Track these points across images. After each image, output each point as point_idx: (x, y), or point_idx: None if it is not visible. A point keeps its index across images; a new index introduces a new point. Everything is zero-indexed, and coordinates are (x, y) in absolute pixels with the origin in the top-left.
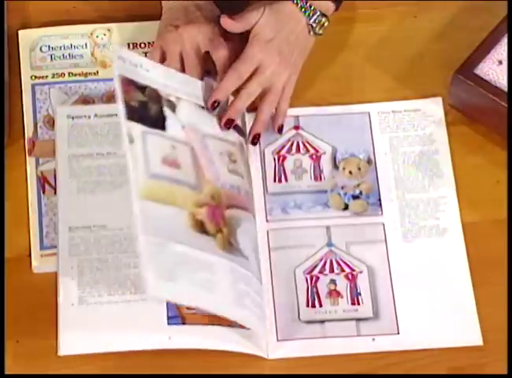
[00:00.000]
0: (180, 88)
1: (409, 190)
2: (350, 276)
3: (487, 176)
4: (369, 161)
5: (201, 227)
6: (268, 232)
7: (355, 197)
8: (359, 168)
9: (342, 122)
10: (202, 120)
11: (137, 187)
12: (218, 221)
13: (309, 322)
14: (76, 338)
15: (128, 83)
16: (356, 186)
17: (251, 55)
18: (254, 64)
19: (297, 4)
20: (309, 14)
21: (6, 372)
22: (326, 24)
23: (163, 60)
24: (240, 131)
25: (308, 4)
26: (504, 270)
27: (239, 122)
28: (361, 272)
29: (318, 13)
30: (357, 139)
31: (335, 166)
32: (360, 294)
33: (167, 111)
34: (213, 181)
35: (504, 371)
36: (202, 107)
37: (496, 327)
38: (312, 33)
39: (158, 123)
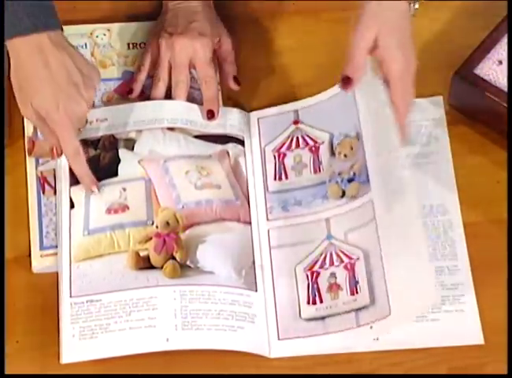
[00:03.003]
0: (146, 117)
1: (390, 150)
2: (348, 266)
3: (487, 176)
4: (358, 137)
5: (145, 264)
6: (269, 231)
7: (350, 180)
8: (351, 148)
9: (333, 103)
10: (167, 143)
11: (68, 252)
12: (170, 248)
13: (309, 319)
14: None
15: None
16: (350, 168)
17: None
18: None
19: None
20: None
21: (6, 372)
22: None
23: (153, 63)
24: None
25: None
26: (504, 270)
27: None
28: (358, 258)
29: None
30: (346, 117)
31: (333, 153)
32: (358, 282)
33: (122, 153)
34: (172, 205)
35: (505, 371)
36: (170, 129)
37: (497, 326)
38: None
39: (111, 170)
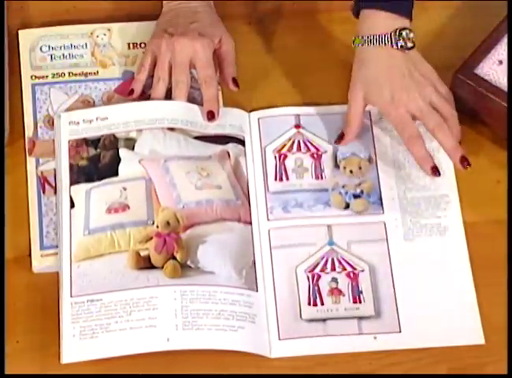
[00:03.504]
0: (147, 117)
1: (410, 189)
2: (351, 275)
3: (487, 176)
4: (369, 160)
5: (145, 263)
6: (269, 231)
7: (356, 196)
8: (360, 167)
9: (338, 120)
10: (167, 143)
11: (68, 252)
12: (171, 247)
13: (310, 320)
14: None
15: (79, 144)
16: (357, 185)
17: None
18: None
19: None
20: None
21: (6, 372)
22: (412, 35)
23: (154, 63)
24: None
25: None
26: (504, 270)
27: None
28: (362, 270)
29: (397, 36)
30: (357, 139)
31: (336, 165)
32: (361, 292)
33: (123, 152)
34: (173, 205)
35: (505, 371)
36: (170, 129)
37: (497, 326)
38: (407, 51)
39: (111, 169)
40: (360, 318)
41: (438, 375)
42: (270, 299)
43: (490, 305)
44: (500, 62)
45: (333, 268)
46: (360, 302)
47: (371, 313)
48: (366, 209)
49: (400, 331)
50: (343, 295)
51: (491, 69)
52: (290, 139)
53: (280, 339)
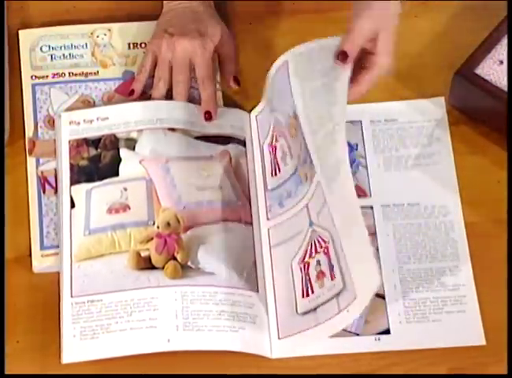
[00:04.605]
0: (147, 117)
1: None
2: (326, 250)
3: (487, 176)
4: (295, 117)
5: (146, 264)
6: (269, 231)
7: (304, 161)
8: (295, 129)
9: (277, 83)
10: (168, 144)
11: (69, 252)
12: (171, 248)
13: (304, 313)
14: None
15: (79, 144)
16: (300, 149)
17: None
18: None
19: None
20: None
21: (6, 372)
22: None
23: (154, 63)
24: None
25: None
26: (504, 270)
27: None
28: (328, 242)
29: None
30: (287, 97)
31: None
32: (333, 266)
33: (123, 152)
34: (173, 206)
35: (505, 371)
36: (171, 129)
37: (497, 326)
38: None
39: (112, 169)
40: (337, 295)
41: (438, 375)
42: (270, 299)
43: (490, 305)
44: (500, 62)
45: (316, 250)
46: (335, 278)
47: (341, 287)
48: (310, 173)
49: (356, 297)
50: (325, 276)
51: (492, 69)
52: (274, 128)
53: (279, 338)
